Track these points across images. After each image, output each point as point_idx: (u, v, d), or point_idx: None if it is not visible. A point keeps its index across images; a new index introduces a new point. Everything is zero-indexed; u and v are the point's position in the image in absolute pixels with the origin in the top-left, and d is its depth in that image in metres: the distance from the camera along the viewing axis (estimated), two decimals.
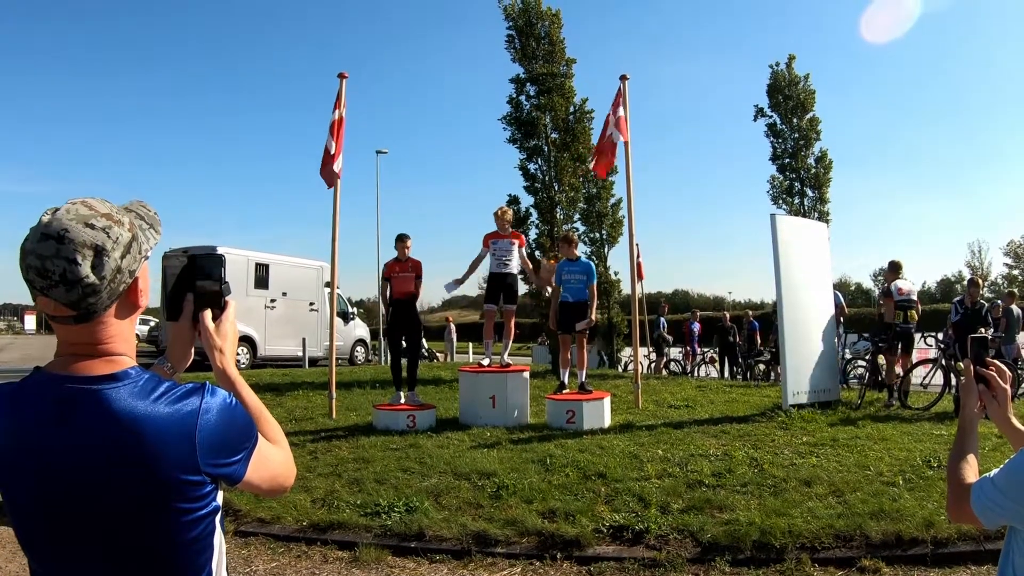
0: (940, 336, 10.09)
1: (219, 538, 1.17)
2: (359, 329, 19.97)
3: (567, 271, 7.85)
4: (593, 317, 7.80)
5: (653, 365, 16.84)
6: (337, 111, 8.38)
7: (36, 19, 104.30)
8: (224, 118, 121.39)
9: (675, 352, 17.81)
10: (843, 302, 11.95)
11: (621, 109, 8.79)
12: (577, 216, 14.13)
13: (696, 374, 15.93)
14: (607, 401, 7.50)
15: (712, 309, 38.52)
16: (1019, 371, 9.01)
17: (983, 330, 8.21)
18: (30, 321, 51.91)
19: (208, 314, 1.28)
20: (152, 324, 23.96)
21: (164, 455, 1.04)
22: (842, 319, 11.56)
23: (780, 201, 16.18)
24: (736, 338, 15.60)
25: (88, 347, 1.09)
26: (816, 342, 8.54)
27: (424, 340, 15.70)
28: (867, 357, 10.62)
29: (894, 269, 9.22)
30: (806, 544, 4.04)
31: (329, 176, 8.40)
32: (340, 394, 9.05)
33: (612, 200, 14.94)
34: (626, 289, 15.93)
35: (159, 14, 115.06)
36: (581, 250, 10.20)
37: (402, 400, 7.75)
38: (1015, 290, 14.03)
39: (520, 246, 8.17)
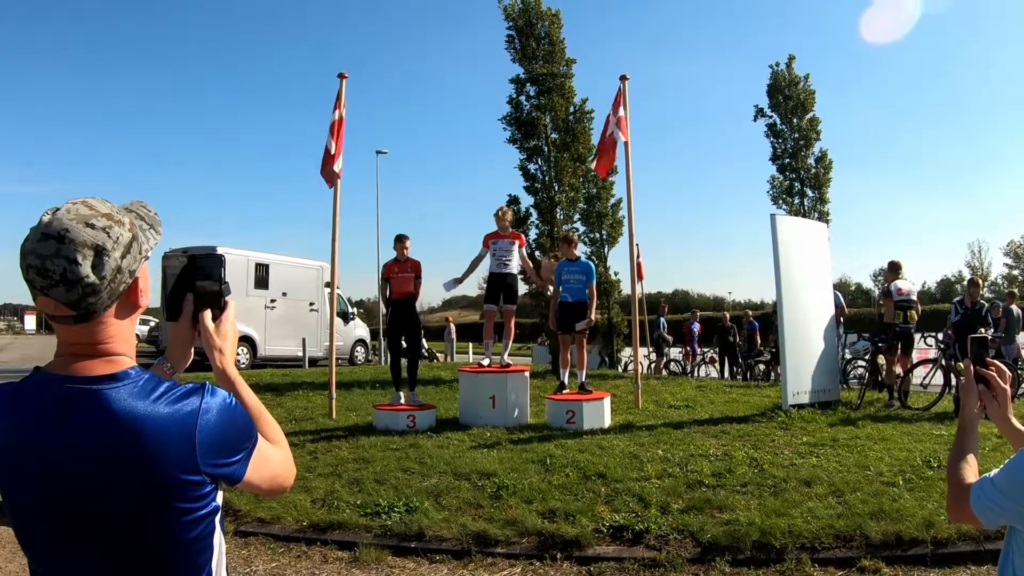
0: (940, 336, 10.10)
1: (219, 538, 1.17)
2: (359, 329, 19.98)
3: (567, 271, 7.85)
4: (593, 317, 7.80)
5: (653, 365, 16.82)
6: (337, 111, 8.39)
7: (36, 19, 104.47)
8: (224, 118, 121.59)
9: (675, 352, 17.80)
10: (843, 302, 11.95)
11: (621, 109, 8.79)
12: (577, 216, 14.14)
13: (696, 374, 15.92)
14: (607, 401, 7.50)
15: (712, 309, 38.51)
16: (1019, 371, 9.01)
17: (983, 330, 8.21)
18: (30, 321, 51.87)
19: (208, 314, 1.28)
20: (152, 324, 23.93)
21: (164, 455, 1.04)
22: (842, 319, 11.57)
23: (780, 201, 16.22)
24: (736, 338, 15.59)
25: (88, 347, 1.09)
26: (816, 342, 8.54)
27: (424, 340, 15.73)
28: (867, 357, 10.62)
29: (894, 269, 9.22)
30: (806, 544, 4.03)
31: (329, 176, 8.41)
32: (340, 394, 9.05)
33: (612, 200, 14.91)
34: (626, 289, 15.96)
35: (159, 14, 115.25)
36: (581, 250, 10.22)
37: (402, 400, 7.75)
38: (1015, 290, 14.05)
39: (520, 246, 8.18)
